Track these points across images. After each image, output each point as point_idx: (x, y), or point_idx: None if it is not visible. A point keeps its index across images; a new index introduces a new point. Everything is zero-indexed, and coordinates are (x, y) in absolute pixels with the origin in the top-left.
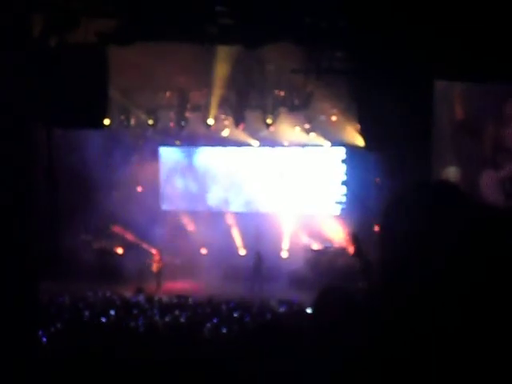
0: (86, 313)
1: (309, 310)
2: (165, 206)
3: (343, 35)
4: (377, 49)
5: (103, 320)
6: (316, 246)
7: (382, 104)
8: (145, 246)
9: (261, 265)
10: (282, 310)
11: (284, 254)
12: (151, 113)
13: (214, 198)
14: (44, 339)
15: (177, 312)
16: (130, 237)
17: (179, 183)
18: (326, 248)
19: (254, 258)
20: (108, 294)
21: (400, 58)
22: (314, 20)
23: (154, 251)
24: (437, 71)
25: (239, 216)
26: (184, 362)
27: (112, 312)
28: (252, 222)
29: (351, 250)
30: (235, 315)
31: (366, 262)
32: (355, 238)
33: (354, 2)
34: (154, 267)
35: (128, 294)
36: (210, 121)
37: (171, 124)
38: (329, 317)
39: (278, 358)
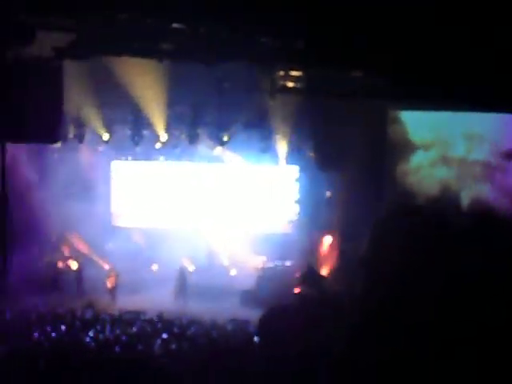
0: (35, 327)
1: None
2: (116, 222)
3: (299, 55)
4: (333, 71)
5: (53, 335)
6: (267, 264)
7: (336, 125)
8: (97, 261)
9: (185, 280)
10: (229, 328)
11: (233, 272)
12: (106, 128)
13: (166, 215)
14: None
15: (127, 328)
16: (81, 252)
17: (131, 199)
18: (277, 266)
19: (178, 273)
20: (58, 309)
21: (355, 82)
22: (270, 40)
23: (108, 266)
24: (392, 98)
25: (191, 232)
26: (134, 375)
27: (62, 327)
28: (203, 239)
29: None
30: (186, 332)
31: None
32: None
33: (312, 23)
34: (109, 282)
35: (78, 308)
36: (164, 136)
37: (125, 139)
38: (274, 337)
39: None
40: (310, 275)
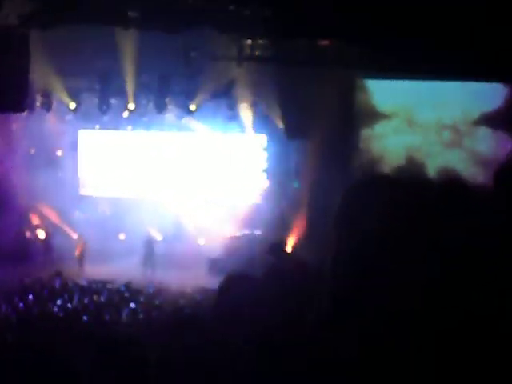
0: (2, 297)
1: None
2: (83, 191)
3: (266, 23)
4: (300, 37)
5: (21, 305)
6: (236, 234)
7: (303, 93)
8: (64, 230)
9: (152, 249)
10: (198, 297)
11: (202, 242)
12: (73, 97)
13: (133, 184)
14: None
15: (95, 297)
16: (48, 221)
17: (98, 168)
18: (246, 235)
19: (146, 242)
20: (26, 278)
21: (322, 50)
22: (238, 7)
23: (75, 236)
24: (359, 65)
25: (158, 202)
26: (101, 344)
27: (30, 296)
28: (171, 209)
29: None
30: (154, 301)
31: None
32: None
33: None
34: (77, 251)
35: (46, 278)
36: (131, 105)
37: (93, 108)
38: (231, 303)
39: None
40: (275, 246)
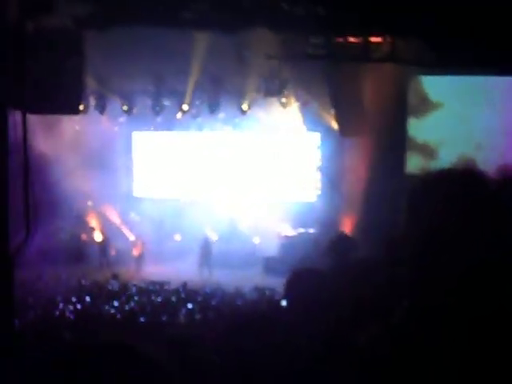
0: (60, 298)
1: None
2: (138, 193)
3: (319, 20)
4: (353, 35)
5: (78, 306)
6: (290, 232)
7: (356, 90)
8: (121, 232)
9: (209, 250)
10: (254, 296)
11: (257, 241)
12: (126, 99)
13: (187, 185)
14: (19, 327)
15: (153, 297)
16: (105, 223)
17: (153, 170)
18: (301, 234)
19: (202, 242)
20: (83, 280)
21: (375, 45)
22: (290, 6)
23: (132, 237)
24: (412, 64)
25: (214, 202)
26: (160, 345)
27: (87, 298)
28: (226, 209)
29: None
30: (211, 301)
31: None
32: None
33: None
34: (135, 251)
35: (103, 279)
36: (185, 106)
37: (146, 110)
38: (302, 298)
39: (252, 345)
40: (340, 242)
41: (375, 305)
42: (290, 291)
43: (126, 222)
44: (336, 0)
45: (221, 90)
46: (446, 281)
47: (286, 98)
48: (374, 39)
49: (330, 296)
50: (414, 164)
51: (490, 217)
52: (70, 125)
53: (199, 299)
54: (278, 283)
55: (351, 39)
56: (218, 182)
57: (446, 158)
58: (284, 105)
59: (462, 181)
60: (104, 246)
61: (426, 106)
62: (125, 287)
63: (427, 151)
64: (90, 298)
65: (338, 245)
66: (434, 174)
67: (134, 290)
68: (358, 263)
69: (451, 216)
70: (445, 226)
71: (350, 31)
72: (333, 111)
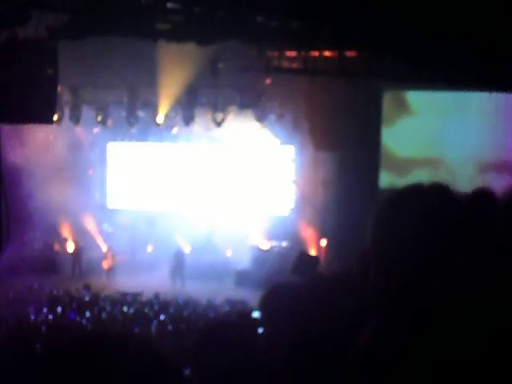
0: (32, 309)
1: (255, 312)
2: (112, 204)
3: (294, 34)
4: (328, 50)
5: (50, 317)
6: (263, 246)
7: (332, 105)
8: (93, 243)
9: (182, 261)
10: (226, 309)
11: (229, 253)
12: (101, 109)
13: (161, 196)
14: None
15: (125, 308)
16: (77, 234)
17: (127, 181)
18: (273, 248)
19: (175, 254)
20: (55, 291)
21: (350, 59)
22: (265, 19)
23: (104, 248)
24: (387, 78)
25: (187, 213)
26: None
27: (59, 309)
28: (199, 221)
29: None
30: (183, 312)
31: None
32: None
33: (307, 1)
34: (106, 264)
35: (75, 290)
36: (160, 118)
37: (121, 121)
38: (278, 313)
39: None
40: (300, 261)
41: (348, 319)
42: (267, 304)
43: (99, 232)
44: (311, 14)
45: (195, 101)
46: (414, 297)
47: (261, 110)
48: (348, 54)
49: (306, 310)
50: (386, 179)
51: (459, 233)
52: (44, 135)
53: (171, 311)
54: (249, 296)
55: (326, 53)
56: (192, 193)
57: (419, 174)
58: (258, 118)
59: (432, 196)
60: (76, 256)
61: (401, 119)
62: (97, 298)
63: (400, 166)
64: (62, 309)
65: (299, 265)
66: (403, 190)
67: (105, 300)
68: (332, 278)
69: (420, 232)
70: (413, 242)
71: (324, 45)
72: (307, 125)
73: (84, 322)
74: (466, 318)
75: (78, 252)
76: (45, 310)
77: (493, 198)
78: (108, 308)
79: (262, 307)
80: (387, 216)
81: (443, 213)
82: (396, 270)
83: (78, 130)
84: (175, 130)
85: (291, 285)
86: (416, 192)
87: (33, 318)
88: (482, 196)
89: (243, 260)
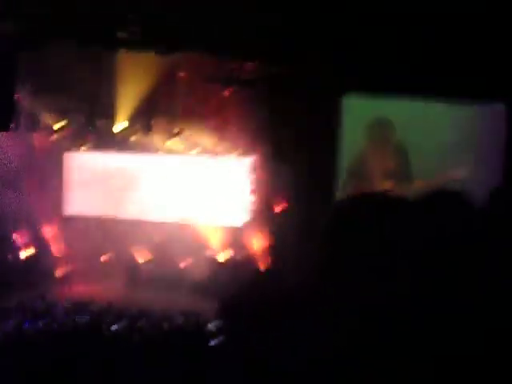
0: None
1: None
2: (67, 212)
3: (255, 46)
4: (287, 60)
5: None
6: (221, 257)
7: (290, 117)
8: (47, 251)
9: (137, 272)
10: (180, 320)
11: (184, 264)
12: (59, 117)
13: (118, 204)
14: None
15: (78, 318)
16: (31, 242)
17: (83, 188)
18: (229, 259)
19: (130, 265)
20: (7, 300)
21: (310, 70)
22: (228, 30)
23: (58, 256)
24: (347, 85)
25: (141, 223)
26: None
27: (11, 318)
28: (155, 230)
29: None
30: (136, 323)
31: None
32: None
33: (267, 13)
34: (60, 272)
35: (28, 299)
36: (118, 127)
37: (78, 129)
38: (238, 325)
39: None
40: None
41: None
42: (224, 315)
43: (54, 240)
44: (271, 27)
45: (155, 111)
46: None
47: (221, 121)
48: (307, 66)
49: (264, 321)
50: (348, 190)
51: (418, 243)
52: (1, 142)
53: (125, 321)
54: (204, 307)
55: (285, 65)
56: (149, 203)
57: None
58: (218, 128)
59: (388, 206)
60: (29, 265)
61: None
62: (50, 307)
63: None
64: (16, 318)
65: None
66: (355, 200)
67: (59, 309)
68: (291, 290)
69: (376, 243)
70: (369, 254)
71: (285, 59)
72: (267, 136)
73: (37, 331)
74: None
75: (31, 260)
76: None
77: (450, 201)
78: (62, 317)
79: (219, 318)
80: (335, 230)
81: (397, 224)
82: (349, 283)
83: (35, 137)
84: (133, 139)
85: (247, 295)
86: (365, 203)
87: None
88: (439, 199)
89: (199, 271)
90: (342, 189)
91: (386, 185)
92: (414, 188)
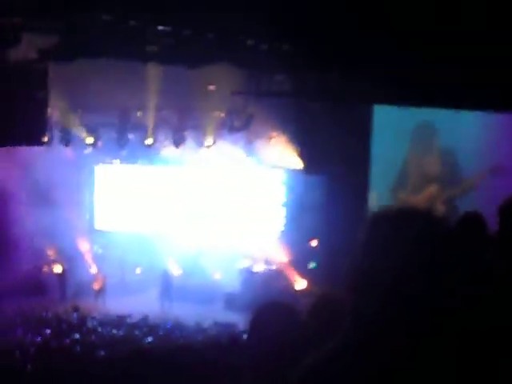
0: (20, 331)
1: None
2: (100, 226)
3: (284, 58)
4: (316, 73)
5: (38, 339)
6: (254, 268)
7: (322, 128)
8: (81, 265)
9: (170, 284)
10: (214, 331)
11: (218, 276)
12: (90, 132)
13: (150, 218)
14: None
15: (114, 331)
16: (65, 256)
17: (116, 203)
18: (264, 270)
19: (163, 276)
20: (43, 313)
21: (340, 82)
22: (255, 42)
23: (94, 270)
24: (377, 96)
25: (176, 236)
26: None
27: (47, 331)
28: (188, 243)
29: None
30: (171, 335)
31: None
32: None
33: (296, 25)
34: (96, 285)
35: (64, 312)
36: (149, 140)
37: (110, 143)
38: (270, 333)
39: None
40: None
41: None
42: (257, 325)
43: (87, 254)
44: (301, 37)
45: (185, 124)
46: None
47: (251, 133)
48: (337, 76)
49: (297, 331)
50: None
51: (448, 256)
52: (34, 157)
53: (160, 333)
54: (238, 319)
55: (316, 76)
56: (181, 216)
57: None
58: (249, 140)
59: (421, 219)
60: (64, 278)
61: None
62: (85, 320)
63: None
64: (50, 331)
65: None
66: (389, 212)
67: (94, 322)
68: (322, 298)
69: (409, 256)
70: (402, 265)
71: (314, 68)
72: (298, 148)
73: (73, 344)
74: (457, 342)
75: (66, 274)
76: (33, 332)
77: (481, 222)
78: (97, 330)
79: (251, 329)
80: (374, 238)
81: (432, 236)
82: (387, 294)
83: (68, 151)
84: (165, 153)
85: (279, 306)
86: (405, 215)
87: (21, 339)
88: (471, 220)
89: (232, 283)
90: (391, 197)
91: (432, 188)
92: (463, 188)
